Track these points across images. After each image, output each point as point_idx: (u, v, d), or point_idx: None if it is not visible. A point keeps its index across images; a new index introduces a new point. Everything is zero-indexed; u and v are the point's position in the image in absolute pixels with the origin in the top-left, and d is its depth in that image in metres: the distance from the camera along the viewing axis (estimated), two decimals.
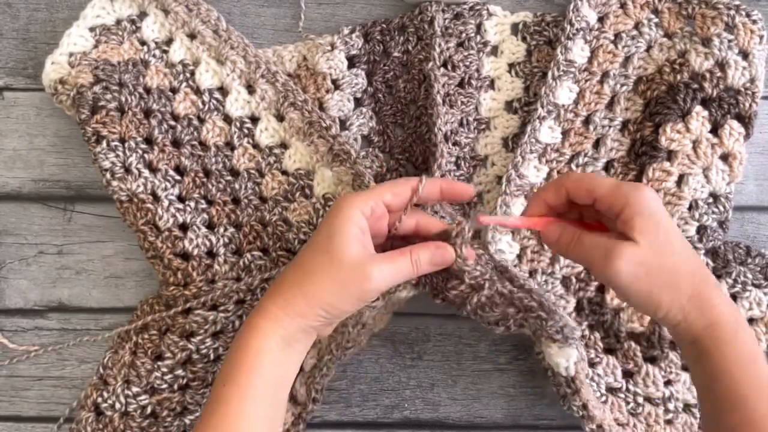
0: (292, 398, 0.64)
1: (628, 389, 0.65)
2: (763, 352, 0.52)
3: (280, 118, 0.69)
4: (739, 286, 0.66)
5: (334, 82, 0.70)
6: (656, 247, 0.51)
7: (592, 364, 0.65)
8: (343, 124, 0.70)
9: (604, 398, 0.65)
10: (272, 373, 0.52)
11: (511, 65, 0.71)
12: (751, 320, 0.66)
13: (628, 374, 0.66)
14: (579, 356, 0.61)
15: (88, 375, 0.68)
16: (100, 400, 0.65)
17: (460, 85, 0.70)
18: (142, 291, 0.69)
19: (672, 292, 0.52)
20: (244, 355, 0.52)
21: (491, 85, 0.71)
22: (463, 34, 0.70)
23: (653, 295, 0.52)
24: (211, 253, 0.67)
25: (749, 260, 0.67)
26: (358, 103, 0.70)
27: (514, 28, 0.71)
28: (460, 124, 0.69)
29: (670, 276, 0.51)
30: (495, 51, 0.71)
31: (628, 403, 0.65)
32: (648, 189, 0.53)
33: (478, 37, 0.70)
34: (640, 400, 0.65)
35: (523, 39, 0.71)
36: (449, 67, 0.69)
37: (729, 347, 0.51)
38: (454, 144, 0.69)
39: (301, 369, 0.64)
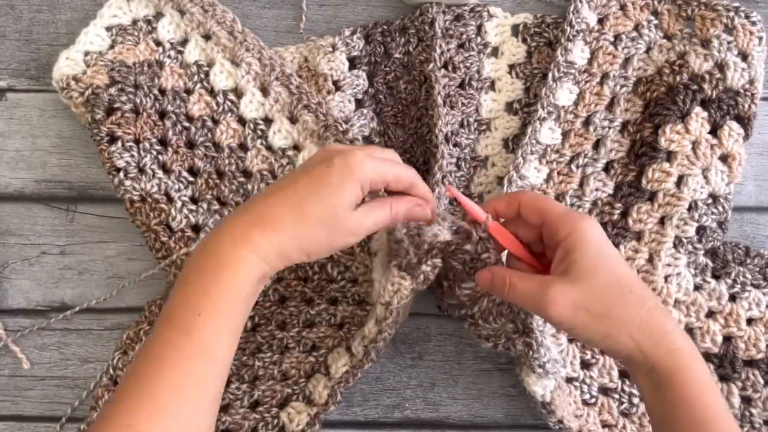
0: (307, 399, 0.65)
1: (623, 389, 0.65)
2: (715, 382, 0.51)
3: (293, 120, 0.69)
4: (738, 286, 0.67)
5: (335, 83, 0.70)
6: (596, 284, 0.50)
7: (587, 365, 0.66)
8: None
9: (593, 400, 0.65)
10: (247, 309, 0.51)
11: (511, 66, 0.71)
12: (750, 320, 0.66)
13: (625, 374, 0.66)
14: (556, 385, 0.62)
15: (91, 375, 0.69)
16: None
17: (461, 86, 0.70)
18: (144, 291, 0.69)
19: (618, 323, 0.50)
20: (226, 287, 0.49)
21: (492, 86, 0.71)
22: (464, 36, 0.70)
23: (598, 327, 0.51)
24: None
25: (748, 260, 0.67)
26: (359, 104, 0.71)
27: (515, 30, 0.71)
28: (461, 125, 0.70)
29: (614, 310, 0.50)
30: (495, 52, 0.71)
31: (622, 403, 0.65)
32: (593, 220, 0.53)
33: (479, 39, 0.71)
34: (636, 400, 0.65)
35: (524, 40, 0.71)
36: (450, 69, 0.70)
37: (689, 375, 0.50)
38: (455, 145, 0.69)
39: (329, 375, 0.64)
